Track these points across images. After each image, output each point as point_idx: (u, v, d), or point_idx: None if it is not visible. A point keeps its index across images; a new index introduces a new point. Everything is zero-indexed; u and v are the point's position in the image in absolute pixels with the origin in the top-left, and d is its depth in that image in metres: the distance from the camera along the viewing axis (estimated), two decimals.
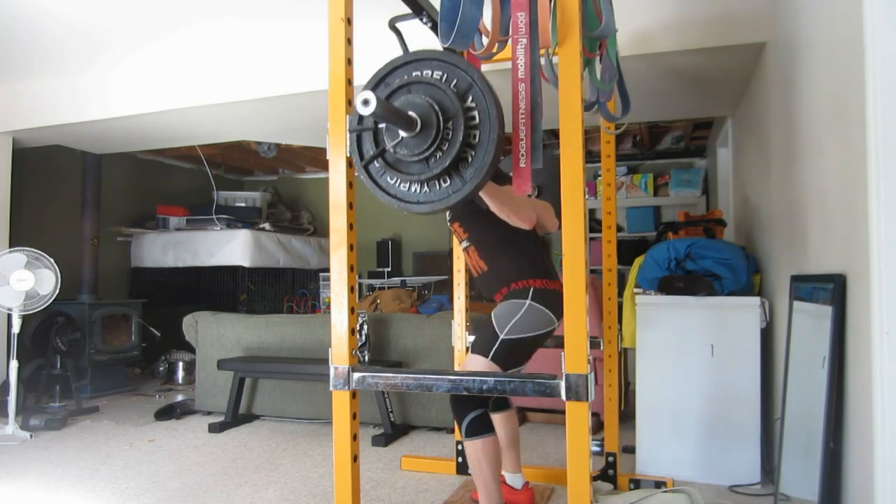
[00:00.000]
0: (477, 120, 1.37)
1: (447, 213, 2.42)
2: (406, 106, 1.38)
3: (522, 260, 2.28)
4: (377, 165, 1.46)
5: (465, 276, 2.98)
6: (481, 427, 2.16)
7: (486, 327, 2.23)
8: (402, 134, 1.38)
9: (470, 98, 1.38)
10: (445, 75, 1.40)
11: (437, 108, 1.36)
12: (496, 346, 2.15)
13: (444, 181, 1.39)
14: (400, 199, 1.44)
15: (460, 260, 2.96)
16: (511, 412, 2.56)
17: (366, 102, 1.20)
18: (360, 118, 1.48)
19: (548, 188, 2.47)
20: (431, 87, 1.39)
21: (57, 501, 2.72)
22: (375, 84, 1.46)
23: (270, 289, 6.68)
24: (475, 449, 2.15)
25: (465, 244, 2.40)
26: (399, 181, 1.44)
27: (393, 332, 3.92)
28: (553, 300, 2.22)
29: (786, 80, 2.54)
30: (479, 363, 2.16)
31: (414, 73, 1.42)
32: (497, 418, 2.48)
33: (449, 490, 2.78)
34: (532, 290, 2.22)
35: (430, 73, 1.41)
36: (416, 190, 1.43)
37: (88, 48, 3.76)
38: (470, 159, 1.37)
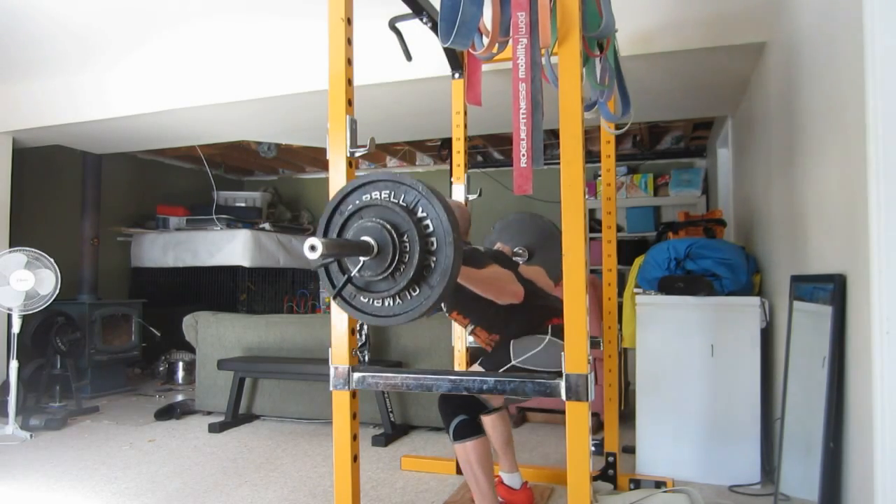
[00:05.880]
0: (431, 228, 1.42)
1: (443, 305, 2.39)
2: (360, 232, 1.44)
3: (532, 316, 2.25)
4: (349, 290, 1.49)
5: None
6: (468, 430, 2.18)
7: (501, 350, 2.24)
8: (363, 259, 1.43)
9: (420, 209, 1.43)
10: (392, 193, 1.45)
11: (388, 227, 1.41)
12: (504, 370, 2.17)
13: (413, 291, 1.44)
14: (376, 315, 1.48)
15: None
16: (503, 413, 2.55)
17: (313, 248, 1.27)
18: None
19: (539, 251, 2.47)
20: (381, 208, 1.45)
21: (57, 501, 2.72)
22: (330, 214, 1.50)
23: (270, 289, 6.68)
24: (465, 451, 2.17)
25: (470, 328, 2.39)
26: (371, 300, 1.48)
27: (393, 332, 3.92)
28: None
29: (786, 80, 2.54)
30: None
31: (364, 197, 1.48)
32: (490, 419, 2.48)
33: (449, 490, 2.78)
34: (550, 326, 2.21)
35: (377, 194, 1.46)
36: (389, 304, 1.47)
37: (86, 48, 3.76)
38: (433, 265, 1.42)
